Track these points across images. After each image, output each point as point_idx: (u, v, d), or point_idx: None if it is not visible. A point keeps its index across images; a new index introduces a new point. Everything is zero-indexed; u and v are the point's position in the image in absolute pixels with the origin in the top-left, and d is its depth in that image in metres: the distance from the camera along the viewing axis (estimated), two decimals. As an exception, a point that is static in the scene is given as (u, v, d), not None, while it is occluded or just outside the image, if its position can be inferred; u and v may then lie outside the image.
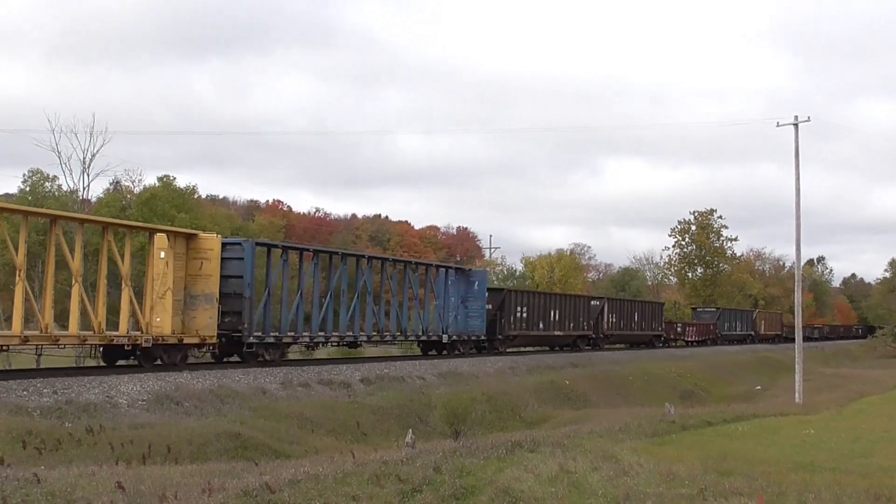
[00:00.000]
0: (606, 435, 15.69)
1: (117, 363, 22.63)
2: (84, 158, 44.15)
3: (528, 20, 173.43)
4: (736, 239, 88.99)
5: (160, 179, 49.66)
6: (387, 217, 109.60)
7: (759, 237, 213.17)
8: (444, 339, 34.93)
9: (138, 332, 21.89)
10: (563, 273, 69.07)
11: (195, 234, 24.37)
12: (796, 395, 31.15)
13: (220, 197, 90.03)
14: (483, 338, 37.50)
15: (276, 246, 28.20)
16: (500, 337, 38.52)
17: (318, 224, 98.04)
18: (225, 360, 26.04)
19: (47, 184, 49.48)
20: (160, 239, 22.72)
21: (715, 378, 46.93)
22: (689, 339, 63.34)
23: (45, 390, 17.97)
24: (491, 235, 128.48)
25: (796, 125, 32.51)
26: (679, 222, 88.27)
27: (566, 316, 43.87)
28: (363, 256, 32.45)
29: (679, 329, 63.29)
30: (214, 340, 23.80)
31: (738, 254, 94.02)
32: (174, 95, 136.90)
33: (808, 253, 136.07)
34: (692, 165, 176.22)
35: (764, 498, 10.08)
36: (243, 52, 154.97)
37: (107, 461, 13.16)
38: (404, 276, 33.64)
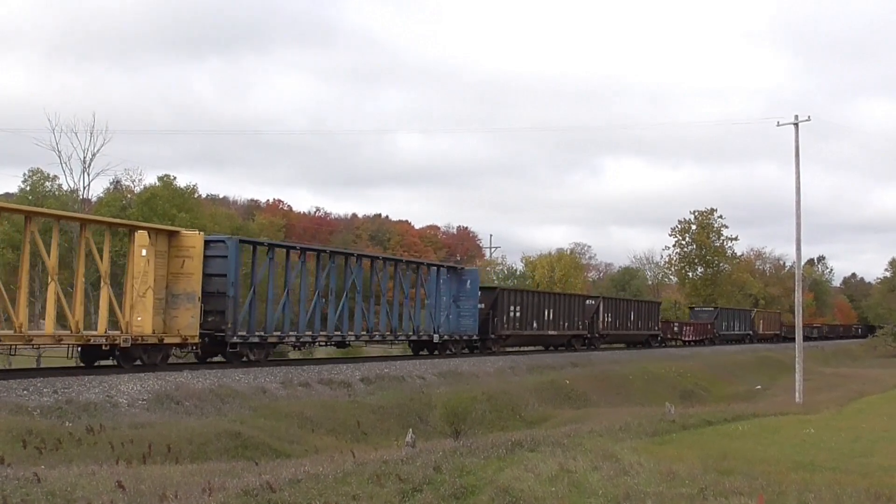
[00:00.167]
0: (606, 434, 15.69)
1: (96, 364, 21.96)
2: (84, 158, 44.34)
3: (528, 20, 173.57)
4: (736, 238, 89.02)
5: (160, 179, 49.77)
6: (387, 217, 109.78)
7: (759, 237, 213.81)
8: (436, 338, 34.43)
9: (117, 332, 21.26)
10: (564, 273, 69.04)
11: (177, 232, 23.80)
12: (796, 394, 31.16)
13: (221, 196, 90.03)
14: (475, 337, 36.98)
15: (261, 244, 27.72)
16: (492, 336, 37.93)
17: (319, 224, 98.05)
18: (209, 360, 25.51)
19: (48, 183, 49.61)
20: (141, 236, 22.32)
21: (715, 378, 46.93)
22: (687, 338, 62.63)
23: (45, 390, 17.97)
24: (491, 235, 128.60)
25: (796, 125, 32.53)
26: (679, 222, 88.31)
27: (561, 315, 43.28)
28: (352, 255, 31.86)
29: (676, 329, 62.59)
30: (196, 340, 23.26)
31: (739, 253, 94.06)
32: (174, 95, 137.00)
33: (808, 252, 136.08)
34: (692, 165, 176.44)
35: (764, 497, 10.08)
36: (243, 51, 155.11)
37: (107, 460, 13.17)
38: (395, 275, 33.18)
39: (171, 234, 23.39)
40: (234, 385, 21.98)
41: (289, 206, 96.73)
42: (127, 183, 52.79)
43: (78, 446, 14.71)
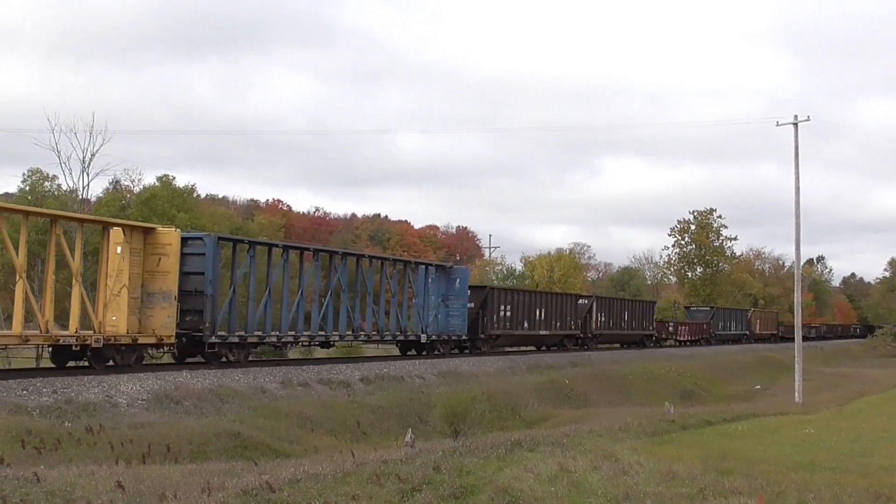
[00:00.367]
0: (606, 434, 15.70)
1: (67, 365, 21.35)
2: (83, 158, 44.18)
3: (528, 20, 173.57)
4: (735, 238, 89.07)
5: (159, 179, 49.68)
6: (386, 217, 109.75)
7: (758, 236, 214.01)
8: (423, 338, 33.66)
9: (89, 332, 20.65)
10: (563, 272, 69.01)
11: (153, 229, 23.16)
12: (796, 394, 31.18)
13: (220, 196, 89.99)
14: (464, 337, 36.15)
15: (241, 241, 27.18)
16: (482, 336, 37.14)
17: (318, 224, 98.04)
18: (187, 360, 24.98)
19: (47, 183, 49.49)
20: (115, 233, 21.81)
21: (715, 377, 46.95)
22: (682, 338, 62.10)
23: (44, 390, 17.96)
24: (491, 235, 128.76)
25: (796, 124, 32.56)
26: (679, 222, 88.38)
27: (552, 315, 42.52)
28: (337, 252, 31.18)
29: (671, 328, 61.97)
30: (172, 340, 22.62)
31: (738, 253, 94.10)
32: (174, 95, 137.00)
33: (807, 252, 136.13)
34: (692, 165, 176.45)
35: (764, 497, 10.08)
36: (243, 51, 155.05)
37: (106, 460, 13.16)
38: (382, 274, 32.53)
39: (147, 231, 22.85)
40: (234, 385, 21.97)
41: (288, 206, 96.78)
42: (126, 183, 52.73)
43: (77, 446, 14.70)
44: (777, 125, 32.99)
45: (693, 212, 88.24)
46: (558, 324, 43.28)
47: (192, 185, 52.72)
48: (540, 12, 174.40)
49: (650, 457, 12.76)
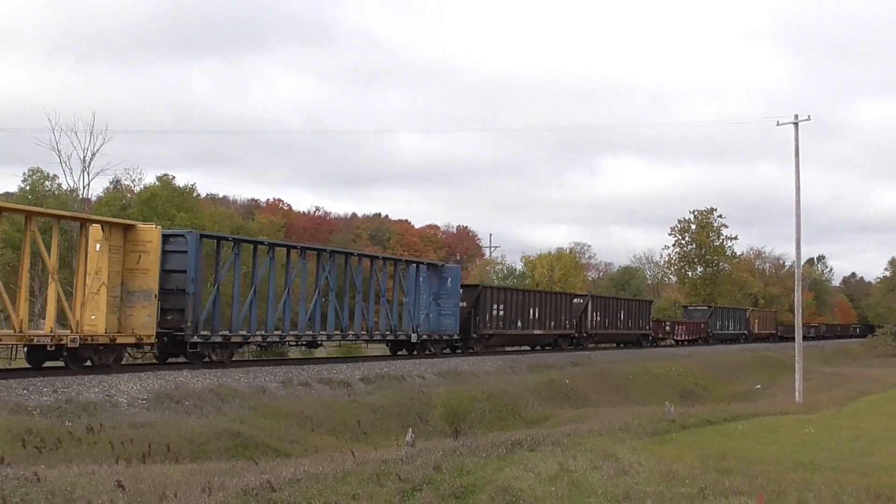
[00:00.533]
0: (606, 434, 15.70)
1: (44, 365, 20.75)
2: (84, 157, 44.20)
3: (528, 20, 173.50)
4: (736, 238, 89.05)
5: (159, 179, 49.69)
6: (387, 216, 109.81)
7: (759, 236, 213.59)
8: (413, 338, 33.11)
9: (66, 332, 20.07)
10: (564, 272, 68.99)
11: (133, 226, 22.63)
12: (796, 394, 31.17)
13: (220, 196, 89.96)
14: (456, 337, 35.57)
15: (226, 238, 26.70)
16: (474, 336, 36.56)
17: (319, 223, 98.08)
18: (169, 360, 24.58)
19: (47, 183, 49.55)
20: (94, 230, 21.32)
21: (715, 377, 46.96)
22: (679, 338, 61.67)
23: (45, 389, 17.97)
24: (491, 234, 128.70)
25: (796, 124, 32.55)
26: (679, 221, 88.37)
27: (547, 314, 42.01)
28: (325, 251, 30.52)
29: (668, 328, 61.54)
30: (153, 340, 22.06)
31: (738, 253, 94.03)
32: (174, 95, 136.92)
33: (808, 252, 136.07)
34: (692, 165, 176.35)
35: (764, 497, 10.07)
36: (242, 51, 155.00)
37: (107, 460, 13.17)
38: (371, 272, 31.90)
39: (127, 228, 22.26)
40: (234, 384, 21.98)
41: (288, 205, 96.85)
42: (127, 182, 52.80)
43: (78, 446, 14.71)
44: (777, 125, 33.00)
45: (693, 211, 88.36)
46: (553, 323, 42.80)
47: (192, 185, 52.82)
48: (540, 12, 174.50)
49: (650, 456, 12.75)
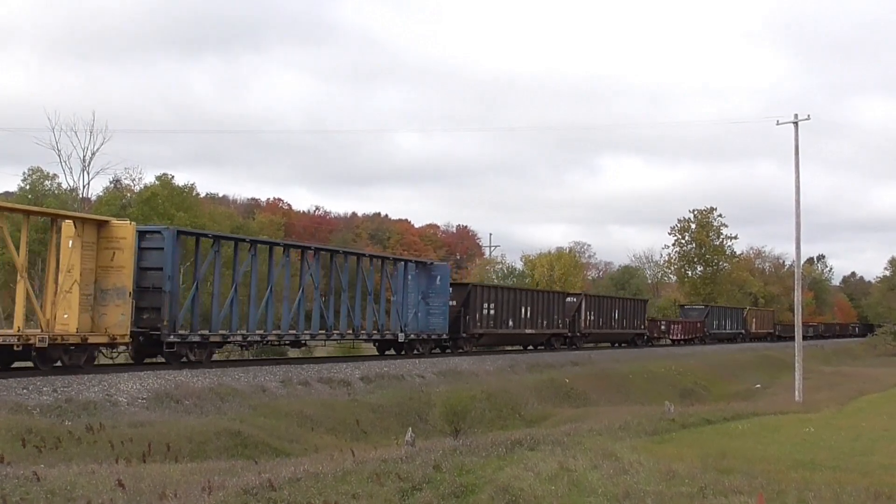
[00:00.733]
0: (606, 433, 15.70)
1: (12, 366, 20.10)
2: (84, 157, 44.31)
3: (528, 20, 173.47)
4: (736, 237, 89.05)
5: (159, 178, 49.70)
6: (386, 216, 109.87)
7: (758, 235, 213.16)
8: (401, 337, 32.40)
9: (35, 331, 19.46)
10: (563, 271, 68.97)
11: (106, 222, 21.86)
12: (796, 393, 31.17)
13: (220, 195, 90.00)
14: (445, 337, 34.80)
15: (205, 235, 25.92)
16: (464, 335, 35.81)
17: (319, 223, 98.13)
18: (146, 360, 24.07)
19: (47, 182, 49.53)
20: (67, 226, 20.83)
21: (715, 376, 46.97)
22: (675, 337, 61.24)
23: (44, 388, 17.97)
24: (491, 234, 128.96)
25: (796, 123, 32.55)
26: (679, 220, 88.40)
27: (539, 313, 41.33)
28: (309, 248, 29.62)
29: (663, 327, 61.01)
30: (127, 340, 21.37)
31: (738, 252, 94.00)
32: (173, 94, 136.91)
33: (807, 251, 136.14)
34: (692, 164, 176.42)
35: (764, 496, 10.06)
36: (242, 50, 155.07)
37: (106, 459, 13.17)
38: (358, 270, 30.91)
39: (101, 224, 21.57)
40: (234, 384, 21.99)
41: (288, 204, 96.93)
42: (127, 182, 52.82)
43: (77, 445, 14.71)
44: (777, 124, 33.01)
45: (693, 211, 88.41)
46: (545, 322, 42.22)
47: (192, 185, 52.84)
48: (540, 12, 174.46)
49: (650, 455, 12.76)
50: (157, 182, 49.30)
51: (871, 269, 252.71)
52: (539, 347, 43.93)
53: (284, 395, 22.58)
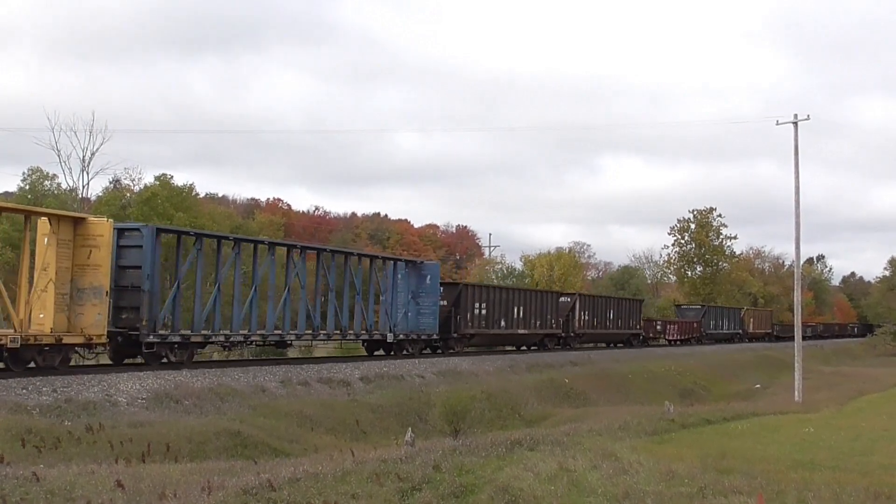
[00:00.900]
0: (606, 433, 15.70)
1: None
2: (83, 157, 44.33)
3: (528, 20, 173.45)
4: (735, 237, 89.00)
5: (158, 178, 49.73)
6: (386, 216, 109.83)
7: (758, 235, 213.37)
8: (389, 338, 31.92)
9: (8, 331, 19.00)
10: (563, 271, 68.97)
11: (83, 219, 21.28)
12: (796, 393, 31.19)
13: (220, 195, 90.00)
14: (435, 337, 34.33)
15: (186, 233, 25.45)
16: (455, 336, 35.33)
17: (319, 222, 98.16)
18: (126, 361, 23.65)
19: (47, 182, 49.55)
20: (42, 223, 20.42)
21: (714, 376, 46.98)
22: (671, 337, 60.83)
23: (44, 389, 17.96)
24: (490, 234, 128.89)
25: (796, 123, 32.57)
26: (678, 221, 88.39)
27: (532, 313, 40.78)
28: (295, 247, 29.06)
29: (659, 327, 60.58)
30: (104, 340, 20.86)
31: (738, 252, 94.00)
32: (173, 94, 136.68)
33: (807, 251, 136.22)
34: (692, 164, 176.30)
35: (763, 496, 10.07)
36: (241, 50, 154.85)
37: (106, 459, 13.16)
38: (346, 269, 30.40)
39: (77, 222, 20.96)
40: (234, 384, 21.98)
41: (288, 204, 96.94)
42: (126, 182, 52.84)
43: (77, 445, 14.70)
44: (777, 124, 33.04)
45: (693, 211, 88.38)
46: (538, 322, 41.75)
47: (191, 185, 52.86)
48: (540, 12, 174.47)
49: (650, 456, 12.76)
50: (156, 182, 49.34)
51: (871, 269, 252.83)
52: (532, 348, 43.57)
53: (284, 395, 22.57)
